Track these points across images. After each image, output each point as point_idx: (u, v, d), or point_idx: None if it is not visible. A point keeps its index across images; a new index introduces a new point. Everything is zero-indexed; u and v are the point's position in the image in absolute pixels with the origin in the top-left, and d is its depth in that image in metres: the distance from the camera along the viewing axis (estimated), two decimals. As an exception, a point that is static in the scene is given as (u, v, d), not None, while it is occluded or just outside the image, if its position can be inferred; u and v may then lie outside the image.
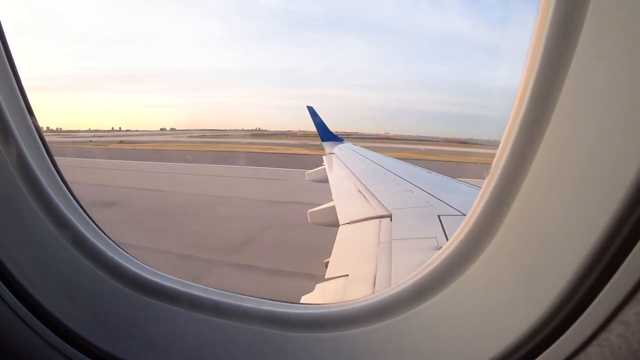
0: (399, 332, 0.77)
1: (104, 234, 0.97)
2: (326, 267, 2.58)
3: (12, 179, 0.82)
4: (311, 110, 14.25)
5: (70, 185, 0.96)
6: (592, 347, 0.48)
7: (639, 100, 0.43)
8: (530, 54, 0.56)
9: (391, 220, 3.24)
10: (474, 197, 0.70)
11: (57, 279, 0.88)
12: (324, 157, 9.49)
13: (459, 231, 0.71)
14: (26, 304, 0.84)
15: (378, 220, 3.29)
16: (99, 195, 13.53)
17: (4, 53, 0.82)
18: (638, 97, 0.43)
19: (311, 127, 14.73)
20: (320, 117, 14.06)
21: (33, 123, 0.88)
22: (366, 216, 3.49)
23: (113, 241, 0.97)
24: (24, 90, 0.87)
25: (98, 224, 0.97)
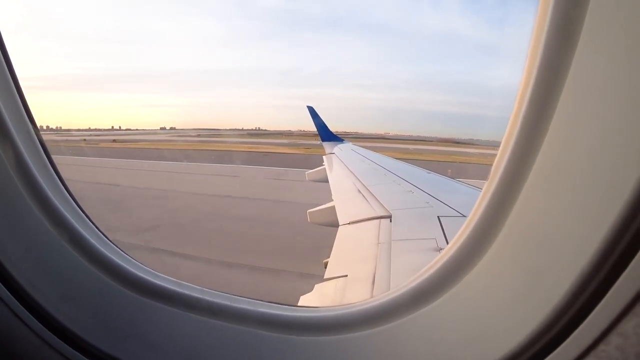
0: (399, 336, 0.76)
1: (103, 234, 0.96)
2: (325, 267, 2.58)
3: (10, 179, 0.82)
4: (311, 110, 14.26)
5: (68, 185, 0.95)
6: (589, 358, 0.47)
7: None
8: (530, 54, 0.55)
9: (391, 220, 3.24)
10: (474, 198, 0.70)
11: (56, 279, 0.88)
12: (324, 157, 9.49)
13: (460, 234, 0.71)
14: (24, 304, 0.83)
15: (378, 220, 3.29)
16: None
17: (0, 53, 0.82)
18: (639, 97, 0.43)
19: (311, 127, 14.76)
20: (321, 117, 14.07)
21: (31, 122, 0.88)
22: (366, 216, 3.49)
23: (111, 241, 0.96)
24: (21, 90, 0.87)
25: (97, 225, 0.97)
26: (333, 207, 4.34)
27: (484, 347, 0.63)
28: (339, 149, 10.37)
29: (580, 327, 0.49)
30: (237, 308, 0.88)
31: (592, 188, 0.48)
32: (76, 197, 0.95)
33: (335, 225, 3.66)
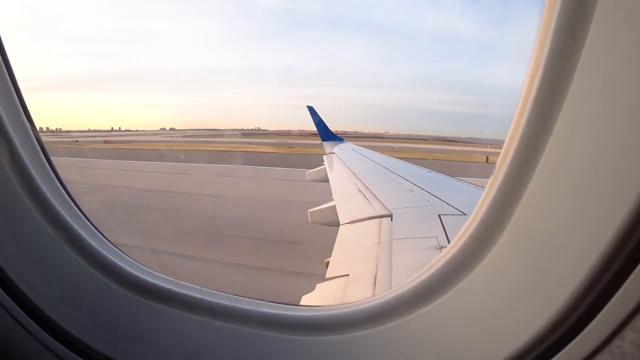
0: (402, 335, 0.75)
1: (102, 235, 0.96)
2: (327, 267, 2.58)
3: (8, 180, 0.81)
4: (311, 110, 14.26)
5: (67, 185, 0.95)
6: (603, 355, 0.46)
7: None
8: (536, 52, 0.54)
9: (392, 219, 3.24)
10: (475, 197, 0.69)
11: (54, 280, 0.87)
12: (324, 156, 9.51)
13: (463, 232, 0.70)
14: (22, 306, 0.83)
15: (379, 219, 3.29)
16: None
17: None
18: None
19: (311, 127, 14.77)
20: (320, 116, 14.07)
21: (29, 123, 0.87)
22: (367, 216, 3.49)
23: (111, 242, 0.96)
24: (19, 91, 0.86)
25: (95, 225, 0.96)
26: (334, 207, 4.34)
27: (488, 345, 0.62)
28: (339, 148, 10.37)
29: (592, 324, 0.48)
30: (238, 308, 0.87)
31: (600, 188, 0.47)
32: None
33: (336, 224, 3.66)
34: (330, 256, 2.81)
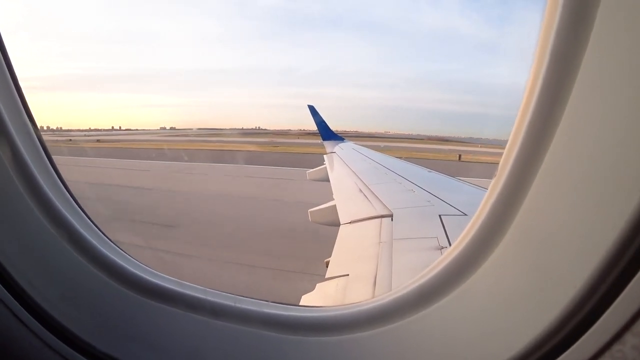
0: (403, 336, 0.75)
1: (103, 234, 0.96)
2: (327, 267, 2.57)
3: (10, 179, 0.82)
4: (312, 109, 14.24)
5: (68, 184, 0.95)
6: (604, 359, 0.46)
7: None
8: (539, 52, 0.54)
9: (392, 219, 3.23)
10: (476, 197, 0.69)
11: (56, 279, 0.87)
12: (324, 156, 9.50)
13: (465, 233, 0.70)
14: (24, 304, 0.83)
15: (379, 219, 3.28)
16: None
17: (0, 53, 0.81)
18: None
19: (312, 126, 14.76)
20: (321, 116, 14.05)
21: (30, 122, 0.87)
22: (367, 215, 3.48)
23: (112, 242, 0.96)
24: (21, 90, 0.86)
25: (97, 224, 0.96)
26: (334, 206, 4.34)
27: (490, 347, 0.62)
28: (339, 148, 10.36)
29: (593, 327, 0.48)
30: (240, 308, 0.87)
31: (600, 189, 0.47)
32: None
33: (337, 224, 3.66)
34: (328, 257, 2.81)
